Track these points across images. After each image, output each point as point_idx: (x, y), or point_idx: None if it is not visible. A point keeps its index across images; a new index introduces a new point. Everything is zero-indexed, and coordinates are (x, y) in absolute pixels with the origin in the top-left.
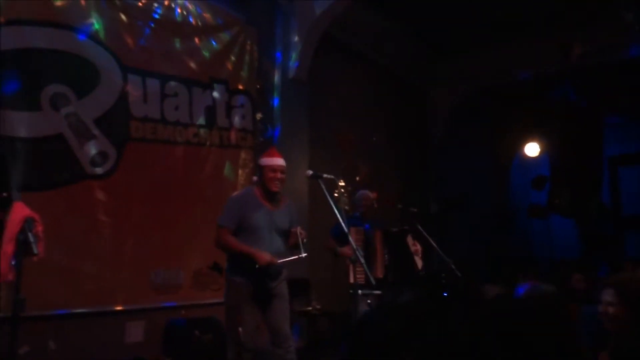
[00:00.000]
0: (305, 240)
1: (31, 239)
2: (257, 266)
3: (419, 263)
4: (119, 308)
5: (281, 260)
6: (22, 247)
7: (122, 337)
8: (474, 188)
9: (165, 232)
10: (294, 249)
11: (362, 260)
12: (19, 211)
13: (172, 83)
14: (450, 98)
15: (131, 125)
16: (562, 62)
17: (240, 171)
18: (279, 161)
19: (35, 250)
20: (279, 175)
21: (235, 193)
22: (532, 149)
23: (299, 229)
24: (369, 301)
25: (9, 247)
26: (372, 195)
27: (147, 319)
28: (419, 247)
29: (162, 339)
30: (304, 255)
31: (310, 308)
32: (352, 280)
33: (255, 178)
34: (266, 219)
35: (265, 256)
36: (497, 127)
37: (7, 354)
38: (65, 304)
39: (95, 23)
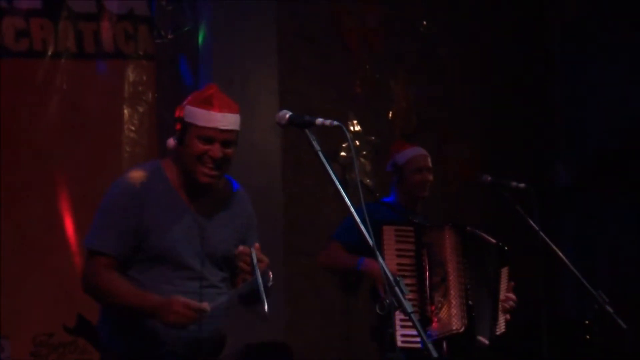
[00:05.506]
0: (266, 268)
1: None
2: (169, 337)
3: (502, 325)
4: None
5: (215, 304)
6: None
7: None
8: None
9: None
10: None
11: (408, 308)
12: None
13: None
14: None
15: None
16: None
17: (126, 111)
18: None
19: None
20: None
21: (125, 175)
22: None
23: (253, 249)
24: None
25: None
26: (425, 155)
27: None
28: (513, 296)
29: None
30: (264, 297)
31: None
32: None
33: (171, 141)
34: (191, 237)
35: (175, 306)
36: None
37: None
38: None
39: None
